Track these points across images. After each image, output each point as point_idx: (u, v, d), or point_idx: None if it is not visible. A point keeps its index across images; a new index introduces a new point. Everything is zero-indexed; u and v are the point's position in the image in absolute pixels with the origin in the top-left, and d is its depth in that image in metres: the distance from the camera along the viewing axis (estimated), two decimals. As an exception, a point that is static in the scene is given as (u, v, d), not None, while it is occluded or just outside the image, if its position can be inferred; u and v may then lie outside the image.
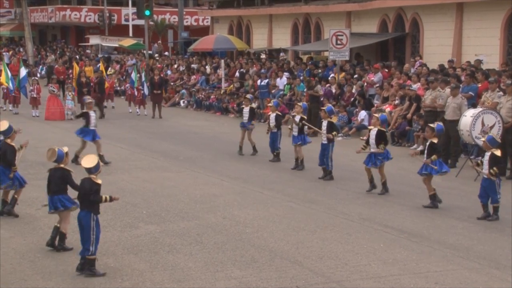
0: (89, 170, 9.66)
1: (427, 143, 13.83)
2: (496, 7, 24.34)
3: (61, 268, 9.87)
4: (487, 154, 12.61)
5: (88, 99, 18.37)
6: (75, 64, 32.71)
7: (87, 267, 9.55)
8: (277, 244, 11.06)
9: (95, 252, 9.61)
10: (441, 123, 14.25)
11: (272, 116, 18.40)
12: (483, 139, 13.11)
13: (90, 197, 9.54)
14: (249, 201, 13.93)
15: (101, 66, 32.11)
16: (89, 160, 9.73)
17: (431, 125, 14.00)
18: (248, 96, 20.83)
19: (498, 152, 12.59)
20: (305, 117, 17.72)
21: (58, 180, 10.62)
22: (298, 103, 18.45)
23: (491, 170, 12.46)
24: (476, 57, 24.47)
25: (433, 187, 13.67)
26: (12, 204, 12.57)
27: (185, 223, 12.24)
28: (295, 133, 17.32)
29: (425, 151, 13.77)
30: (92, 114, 17.60)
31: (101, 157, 16.51)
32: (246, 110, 19.52)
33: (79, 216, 9.66)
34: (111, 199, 9.91)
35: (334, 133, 16.01)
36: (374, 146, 14.58)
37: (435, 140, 13.70)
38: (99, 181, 9.68)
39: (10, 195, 12.75)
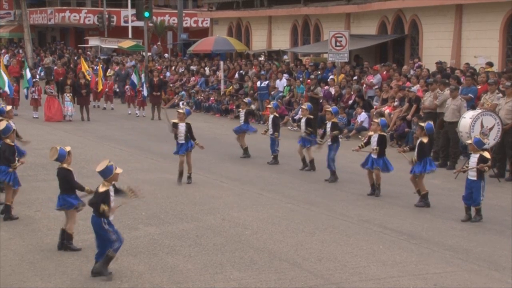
0: (101, 174, 9.54)
1: (418, 142, 13.88)
2: (496, 9, 24.35)
3: (60, 270, 9.87)
4: (475, 156, 12.57)
5: (180, 109, 16.40)
6: (82, 61, 32.84)
7: (101, 262, 9.47)
8: (276, 245, 11.06)
9: (118, 249, 9.52)
10: (431, 122, 14.28)
11: (271, 118, 18.40)
12: (470, 141, 13.06)
13: (92, 201, 9.48)
14: (249, 203, 13.93)
15: (99, 69, 32.07)
16: (100, 165, 9.64)
17: (421, 123, 14.07)
18: (246, 100, 20.83)
19: (486, 154, 12.59)
20: (312, 116, 17.71)
21: (62, 180, 10.63)
22: (303, 106, 18.31)
23: (485, 165, 12.41)
24: (475, 58, 24.49)
25: (425, 187, 13.74)
26: (8, 210, 12.50)
27: (184, 225, 12.23)
28: (306, 136, 17.27)
29: (415, 150, 13.80)
30: (182, 126, 15.80)
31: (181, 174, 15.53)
32: (242, 113, 19.49)
33: (92, 221, 9.59)
34: (107, 213, 9.52)
35: (335, 132, 15.96)
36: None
37: (425, 140, 13.72)
38: (102, 189, 9.48)
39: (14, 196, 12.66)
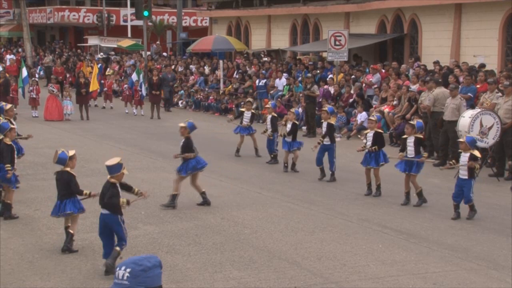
0: (108, 169, 9.60)
1: (409, 140, 13.86)
2: (495, 8, 24.35)
3: (59, 269, 9.87)
4: (465, 155, 12.63)
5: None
6: (83, 66, 32.88)
7: (111, 259, 9.49)
8: (275, 244, 11.06)
9: (124, 246, 9.65)
10: (421, 120, 14.46)
11: (269, 118, 18.35)
12: (462, 139, 13.10)
13: (106, 199, 9.51)
14: (248, 202, 13.93)
15: (94, 68, 32.01)
16: (111, 160, 9.69)
17: (411, 122, 14.24)
18: (250, 99, 20.74)
19: (477, 153, 12.66)
20: (297, 122, 17.67)
21: (64, 184, 10.56)
22: (291, 110, 18.24)
23: (475, 165, 12.54)
24: (475, 58, 24.50)
25: (410, 186, 13.87)
26: (9, 209, 12.48)
27: (183, 224, 12.23)
28: (288, 139, 17.19)
29: (407, 148, 13.87)
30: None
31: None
32: (247, 114, 19.32)
33: (105, 219, 9.57)
34: (128, 203, 9.78)
35: (320, 139, 16.10)
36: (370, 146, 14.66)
37: (421, 135, 13.89)
38: (114, 182, 9.59)
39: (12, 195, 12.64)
